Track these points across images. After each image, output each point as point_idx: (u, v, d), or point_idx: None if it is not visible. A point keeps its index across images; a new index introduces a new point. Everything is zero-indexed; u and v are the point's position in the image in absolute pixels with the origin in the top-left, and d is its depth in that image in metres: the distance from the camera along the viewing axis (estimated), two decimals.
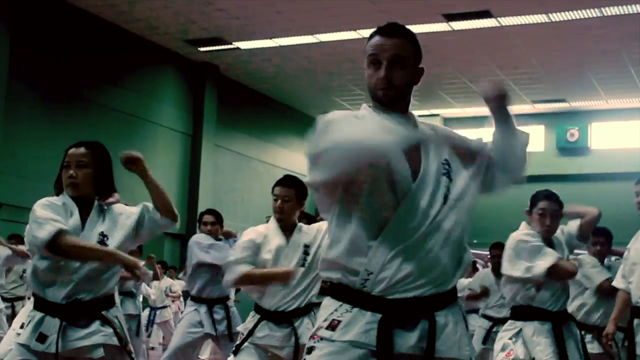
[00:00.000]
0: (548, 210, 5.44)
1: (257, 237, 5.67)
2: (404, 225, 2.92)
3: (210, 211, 8.27)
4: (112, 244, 4.31)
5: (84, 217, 4.35)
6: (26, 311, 5.82)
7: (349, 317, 2.95)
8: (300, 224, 5.81)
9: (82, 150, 4.37)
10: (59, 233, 4.11)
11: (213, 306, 7.91)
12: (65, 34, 15.07)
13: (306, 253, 5.66)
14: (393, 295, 2.90)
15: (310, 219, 7.84)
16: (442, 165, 3.04)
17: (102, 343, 4.21)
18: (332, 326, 2.96)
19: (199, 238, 8.14)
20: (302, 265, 5.63)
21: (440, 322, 2.92)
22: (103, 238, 4.31)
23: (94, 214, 4.38)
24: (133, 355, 4.33)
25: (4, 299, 10.77)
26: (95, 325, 4.23)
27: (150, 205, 4.57)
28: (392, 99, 3.03)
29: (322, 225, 5.70)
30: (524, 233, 5.54)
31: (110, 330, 4.25)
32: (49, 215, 4.21)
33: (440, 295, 2.94)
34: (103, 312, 4.28)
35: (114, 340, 4.25)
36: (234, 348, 5.83)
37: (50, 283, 4.26)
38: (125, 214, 4.49)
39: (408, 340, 2.89)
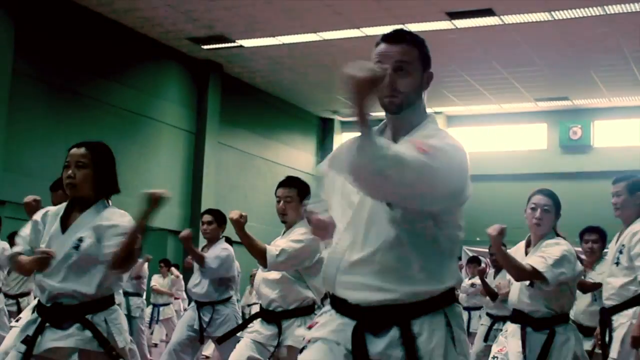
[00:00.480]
0: (539, 204, 5.43)
1: None
2: (346, 245, 3.01)
3: (208, 211, 8.31)
4: (83, 247, 4.25)
5: (73, 221, 4.36)
6: (29, 308, 5.84)
7: (326, 319, 3.08)
8: (300, 226, 5.80)
9: (82, 150, 4.33)
10: (12, 256, 4.40)
11: (201, 307, 7.96)
12: (69, 31, 15.10)
13: None
14: (365, 304, 2.96)
15: None
16: None
17: (74, 347, 4.17)
18: (310, 326, 3.13)
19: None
20: None
21: (414, 331, 2.91)
22: (79, 243, 4.24)
23: (84, 217, 4.33)
24: None
25: (8, 296, 10.80)
26: (73, 328, 4.18)
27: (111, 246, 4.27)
28: (398, 106, 3.03)
29: (303, 228, 5.71)
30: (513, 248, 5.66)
31: (89, 335, 4.17)
32: (23, 233, 4.47)
33: (412, 304, 2.93)
34: (88, 316, 4.22)
35: (92, 345, 4.17)
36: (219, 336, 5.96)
37: (38, 285, 4.32)
38: (109, 225, 4.33)
39: (375, 347, 2.92)
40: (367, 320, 2.96)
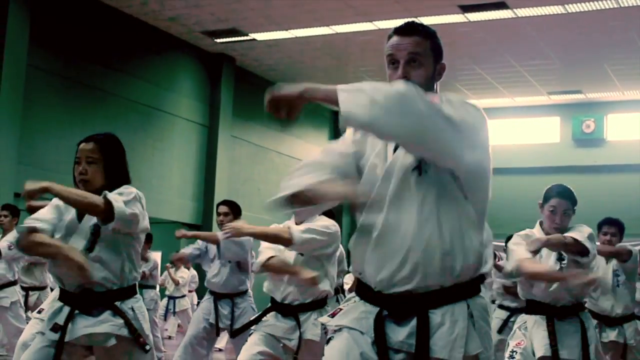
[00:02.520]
0: (558, 208, 5.38)
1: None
2: (372, 221, 2.98)
3: (224, 202, 8.25)
4: (105, 232, 4.31)
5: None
6: (50, 299, 5.89)
7: (350, 306, 3.08)
8: (316, 217, 5.83)
9: (91, 145, 4.41)
10: (26, 231, 4.24)
11: (219, 299, 7.94)
12: (83, 25, 15.15)
13: None
14: (388, 290, 2.96)
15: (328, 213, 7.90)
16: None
17: (110, 332, 4.25)
18: (333, 314, 3.11)
19: None
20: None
21: (435, 321, 2.91)
22: (96, 228, 4.31)
23: None
24: (148, 347, 4.34)
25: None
26: (105, 315, 4.27)
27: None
28: None
29: (324, 220, 5.74)
30: (517, 234, 5.58)
31: (121, 321, 4.27)
32: (38, 215, 4.38)
33: (435, 292, 2.93)
34: (117, 303, 4.32)
35: (124, 332, 4.27)
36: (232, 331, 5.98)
37: (62, 274, 4.35)
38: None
39: (397, 335, 2.93)
40: (390, 307, 2.96)
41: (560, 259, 5.40)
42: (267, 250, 5.82)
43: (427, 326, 2.89)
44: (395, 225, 2.93)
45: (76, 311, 4.27)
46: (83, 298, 4.28)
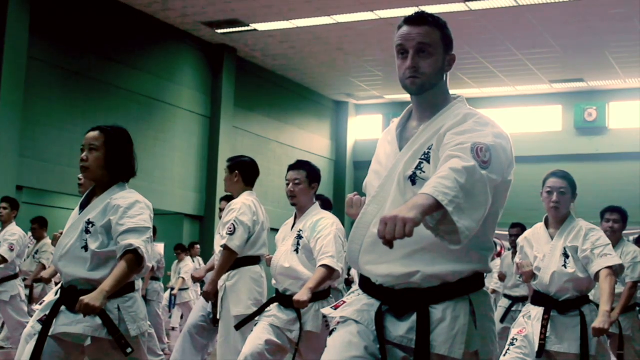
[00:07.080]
0: (554, 187, 5.43)
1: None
2: (370, 218, 3.01)
3: (226, 197, 8.21)
4: (93, 231, 4.25)
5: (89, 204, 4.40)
6: (52, 292, 5.89)
7: (352, 299, 3.09)
8: (316, 210, 5.83)
9: (95, 134, 4.38)
10: None
11: None
12: (84, 16, 15.14)
13: (299, 237, 5.71)
14: (389, 284, 2.97)
15: (327, 204, 7.87)
16: (424, 152, 3.00)
17: (83, 334, 4.18)
18: (336, 306, 3.12)
19: None
20: (295, 250, 5.69)
21: (436, 316, 2.90)
22: (87, 226, 4.26)
23: (98, 200, 4.36)
24: (129, 350, 4.21)
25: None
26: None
27: (125, 244, 4.18)
28: (421, 87, 3.04)
29: (326, 220, 5.75)
30: (530, 229, 5.64)
31: (98, 322, 4.16)
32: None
33: (438, 288, 2.92)
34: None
35: (100, 333, 4.17)
36: (237, 323, 6.02)
37: (56, 268, 4.38)
38: (116, 212, 4.29)
39: (397, 330, 2.93)
40: (390, 301, 2.96)
41: (565, 255, 5.42)
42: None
43: (427, 321, 2.88)
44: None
45: (63, 307, 4.24)
46: (69, 294, 4.25)
